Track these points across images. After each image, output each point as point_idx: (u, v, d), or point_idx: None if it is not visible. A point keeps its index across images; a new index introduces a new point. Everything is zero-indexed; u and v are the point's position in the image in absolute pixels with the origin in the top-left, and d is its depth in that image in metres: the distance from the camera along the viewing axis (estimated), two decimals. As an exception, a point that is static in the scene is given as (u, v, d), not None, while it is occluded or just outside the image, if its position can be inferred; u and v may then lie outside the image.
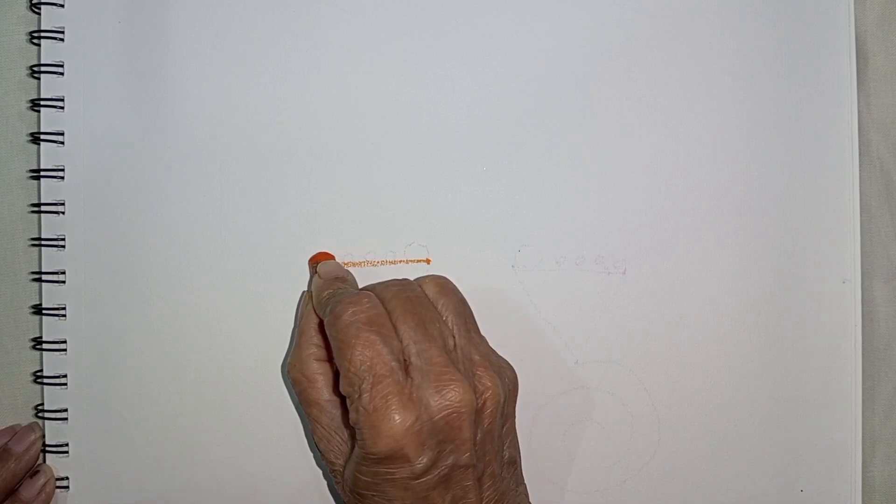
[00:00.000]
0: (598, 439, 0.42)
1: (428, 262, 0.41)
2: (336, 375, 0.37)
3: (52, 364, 0.41)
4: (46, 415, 0.41)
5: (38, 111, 0.41)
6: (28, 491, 0.40)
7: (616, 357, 0.41)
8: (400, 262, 0.41)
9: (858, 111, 0.42)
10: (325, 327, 0.36)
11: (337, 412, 0.37)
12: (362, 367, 0.34)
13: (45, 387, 0.41)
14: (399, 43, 0.41)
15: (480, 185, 0.41)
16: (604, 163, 0.42)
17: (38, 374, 0.41)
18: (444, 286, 0.38)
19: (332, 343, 0.35)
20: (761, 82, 0.42)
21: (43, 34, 0.41)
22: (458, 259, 0.41)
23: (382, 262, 0.41)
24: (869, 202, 0.44)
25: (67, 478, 0.41)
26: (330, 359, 0.38)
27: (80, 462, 0.41)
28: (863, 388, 0.42)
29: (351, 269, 0.41)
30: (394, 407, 0.33)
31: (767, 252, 0.42)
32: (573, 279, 0.41)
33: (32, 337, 0.42)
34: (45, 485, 0.40)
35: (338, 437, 0.37)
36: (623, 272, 0.42)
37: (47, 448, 0.41)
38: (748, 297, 0.42)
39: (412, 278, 0.39)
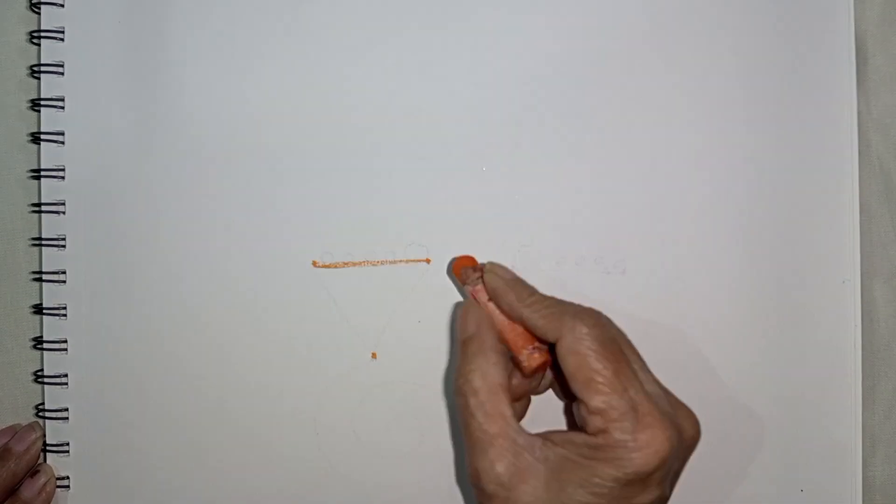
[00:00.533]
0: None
1: (428, 261, 0.41)
2: (517, 391, 0.36)
3: (52, 364, 0.41)
4: (47, 414, 0.41)
5: (39, 111, 0.41)
6: (29, 490, 0.40)
7: (616, 357, 0.41)
8: (400, 262, 0.41)
9: (858, 111, 0.42)
10: (564, 335, 0.34)
11: (520, 431, 0.33)
12: (620, 384, 0.32)
13: (45, 386, 0.41)
14: (399, 43, 0.41)
15: (480, 185, 0.41)
16: (604, 163, 0.42)
17: (39, 373, 0.41)
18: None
19: (571, 356, 0.33)
20: (761, 82, 0.42)
21: (43, 34, 0.41)
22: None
23: (382, 262, 0.41)
24: (869, 202, 0.44)
25: (68, 477, 0.41)
26: (509, 372, 0.35)
27: (81, 461, 0.41)
28: (863, 388, 0.42)
29: (351, 269, 0.41)
30: (664, 427, 0.32)
31: (767, 252, 0.42)
32: (573, 279, 0.41)
33: (33, 336, 0.42)
34: (45, 484, 0.40)
35: (526, 457, 0.33)
36: (623, 272, 0.42)
37: (48, 447, 0.41)
38: (748, 297, 0.42)
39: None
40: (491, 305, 0.37)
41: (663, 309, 0.42)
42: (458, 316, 0.37)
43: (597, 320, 0.35)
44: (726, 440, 0.42)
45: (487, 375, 0.34)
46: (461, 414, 0.34)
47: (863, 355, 0.42)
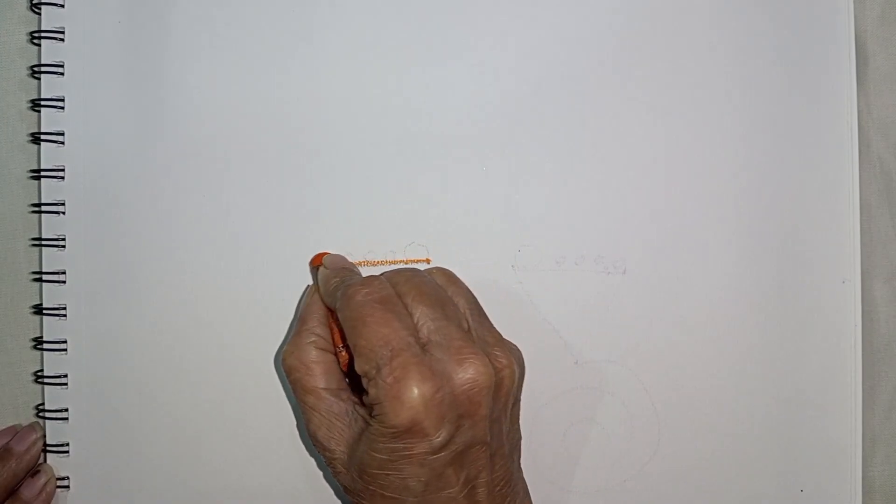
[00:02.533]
0: (598, 439, 0.42)
1: (428, 261, 0.41)
2: (333, 365, 0.38)
3: (52, 364, 0.41)
4: (47, 414, 0.41)
5: (39, 111, 0.41)
6: (29, 490, 0.40)
7: (616, 357, 0.41)
8: (399, 261, 0.41)
9: (858, 111, 0.42)
10: (338, 311, 0.36)
11: (335, 399, 0.37)
12: (378, 343, 0.34)
13: (45, 387, 0.41)
14: (399, 43, 0.41)
15: (480, 185, 0.41)
16: (604, 163, 0.42)
17: (39, 373, 0.41)
18: (452, 276, 0.39)
19: (345, 325, 0.35)
20: (761, 82, 0.42)
21: (43, 34, 0.41)
22: (458, 259, 0.41)
23: (382, 262, 0.41)
24: (869, 202, 0.44)
25: (68, 477, 0.41)
26: (330, 349, 0.38)
27: (81, 462, 0.41)
28: (863, 388, 0.42)
29: (351, 269, 0.41)
30: (415, 378, 0.33)
31: (767, 252, 0.42)
32: (573, 279, 0.41)
33: (33, 337, 0.42)
34: (45, 484, 0.40)
35: (339, 424, 0.36)
36: (623, 272, 0.42)
37: (48, 448, 0.41)
38: (748, 297, 0.42)
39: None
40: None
41: (663, 309, 0.42)
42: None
43: (370, 284, 0.36)
44: (726, 440, 0.42)
45: (301, 353, 0.37)
46: (291, 388, 0.38)
47: (863, 355, 0.42)
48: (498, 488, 0.36)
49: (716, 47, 0.42)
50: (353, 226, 0.41)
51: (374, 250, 0.41)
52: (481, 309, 0.38)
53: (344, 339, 0.37)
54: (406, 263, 0.41)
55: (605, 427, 0.42)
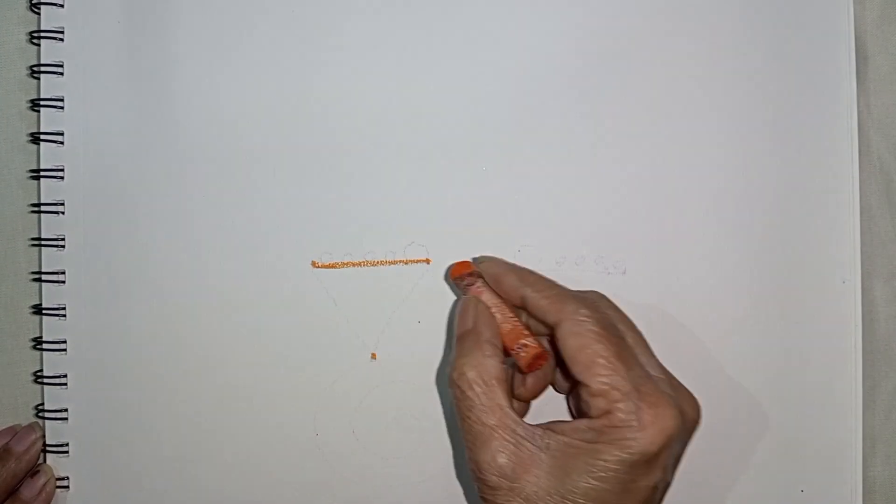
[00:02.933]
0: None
1: (428, 262, 0.41)
2: (510, 385, 0.35)
3: (52, 364, 0.41)
4: (47, 415, 0.41)
5: (38, 111, 0.41)
6: (29, 490, 0.40)
7: (616, 357, 0.41)
8: (399, 262, 0.41)
9: (858, 111, 0.42)
10: (562, 321, 0.34)
11: (520, 421, 0.33)
12: (623, 366, 0.32)
13: (45, 387, 0.41)
14: (399, 43, 0.41)
15: (480, 185, 0.41)
16: (604, 163, 0.42)
17: (39, 374, 0.41)
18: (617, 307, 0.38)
19: (572, 339, 0.33)
20: (761, 82, 0.42)
21: (43, 34, 0.41)
22: (458, 259, 0.41)
23: (382, 262, 0.41)
24: (869, 202, 0.44)
25: (67, 478, 0.41)
26: (505, 365, 0.35)
27: (80, 462, 0.41)
28: (863, 388, 0.42)
29: (350, 269, 0.41)
30: (671, 408, 0.32)
31: (767, 252, 0.42)
32: (573, 279, 0.41)
33: (32, 337, 0.42)
34: (45, 484, 0.40)
35: (529, 447, 0.32)
36: (623, 272, 0.42)
37: (47, 448, 0.41)
38: (748, 297, 0.42)
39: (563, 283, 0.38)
40: (488, 301, 0.37)
41: (663, 309, 0.42)
42: (458, 311, 0.37)
43: (598, 304, 0.35)
44: (726, 440, 0.42)
45: (483, 367, 0.34)
46: (458, 407, 0.34)
47: (863, 355, 0.42)
48: None
49: (716, 47, 0.42)
50: (353, 226, 0.41)
51: (373, 250, 0.41)
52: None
53: (517, 341, 0.35)
54: (406, 264, 0.41)
55: (605, 427, 0.42)
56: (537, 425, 0.34)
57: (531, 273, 0.37)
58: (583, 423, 0.33)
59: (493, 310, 0.37)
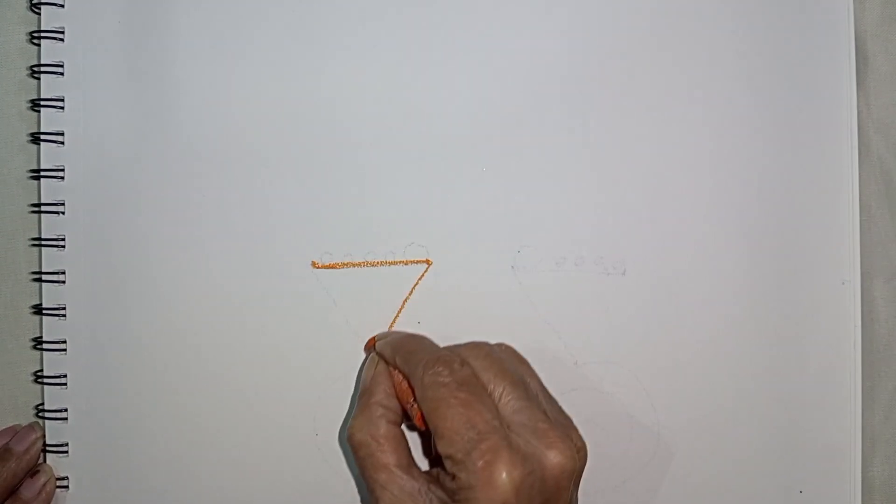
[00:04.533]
0: (598, 439, 0.42)
1: (428, 262, 0.41)
2: (403, 440, 0.36)
3: (52, 364, 0.41)
4: (47, 414, 0.41)
5: (39, 111, 0.41)
6: (29, 490, 0.40)
7: (615, 358, 0.41)
8: (399, 262, 0.41)
9: (858, 111, 0.42)
10: (417, 390, 0.35)
11: (408, 477, 0.35)
12: (465, 426, 0.33)
13: (45, 387, 0.41)
14: (399, 43, 0.41)
15: (480, 186, 0.41)
16: (604, 163, 0.42)
17: (39, 373, 0.41)
18: (518, 354, 0.39)
19: (425, 404, 0.34)
20: (761, 82, 0.42)
21: (43, 34, 0.41)
22: (458, 259, 0.41)
23: (382, 263, 0.41)
24: (869, 202, 0.44)
25: (67, 477, 0.41)
26: (398, 422, 0.37)
27: (80, 462, 0.41)
28: (863, 388, 0.42)
29: (351, 270, 0.41)
30: (506, 462, 0.32)
31: (767, 252, 0.42)
32: (573, 280, 0.41)
33: (33, 337, 0.42)
34: (45, 484, 0.40)
35: (412, 503, 0.34)
36: (623, 273, 0.42)
37: (47, 448, 0.41)
38: (748, 297, 0.42)
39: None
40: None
41: (663, 309, 0.42)
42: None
43: (445, 364, 0.35)
44: (726, 440, 0.42)
45: (371, 428, 0.36)
46: (357, 465, 0.36)
47: (863, 355, 0.42)
48: None
49: (716, 47, 0.42)
50: (353, 226, 0.41)
51: (373, 251, 0.41)
52: (546, 389, 0.38)
53: (408, 400, 0.36)
54: (406, 264, 0.41)
55: (604, 427, 0.42)
56: (426, 476, 0.35)
57: (409, 340, 0.38)
58: (449, 483, 0.34)
59: (394, 371, 0.37)
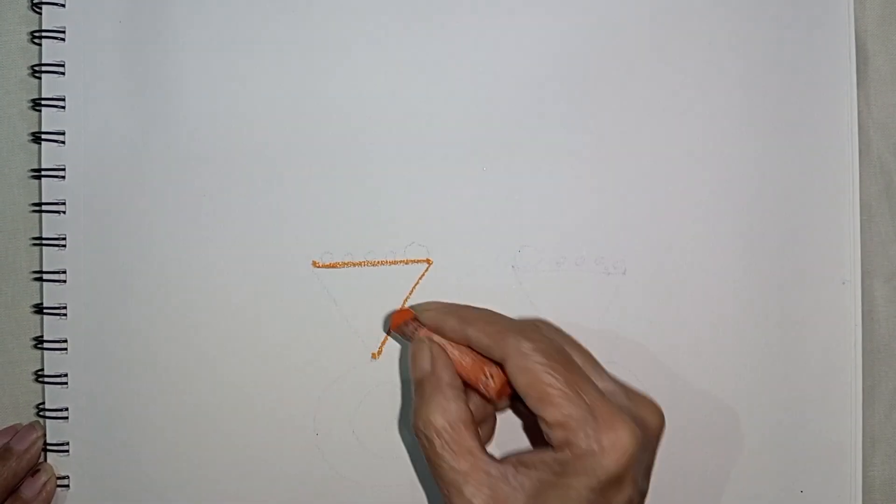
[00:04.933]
0: (598, 439, 0.42)
1: (429, 262, 0.41)
2: (475, 425, 0.35)
3: (52, 363, 0.41)
4: (47, 414, 0.41)
5: (40, 111, 0.41)
6: (29, 490, 0.40)
7: (616, 358, 0.41)
8: (400, 262, 0.41)
9: (858, 111, 0.42)
10: (511, 357, 0.33)
11: (493, 461, 0.33)
12: (573, 391, 0.32)
13: (46, 386, 0.41)
14: (399, 43, 0.42)
15: (480, 186, 0.41)
16: (604, 163, 0.42)
17: (39, 373, 0.41)
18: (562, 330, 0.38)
19: (523, 375, 0.33)
20: (761, 82, 0.42)
21: (44, 34, 0.41)
22: (459, 259, 0.41)
23: (383, 262, 0.41)
24: (869, 202, 0.44)
25: (68, 477, 0.41)
26: (468, 404, 0.35)
27: (81, 461, 0.41)
28: (863, 388, 0.42)
29: (351, 270, 0.41)
30: (626, 423, 0.32)
31: (767, 252, 0.42)
32: (573, 280, 0.41)
33: (33, 336, 0.42)
34: (45, 483, 0.40)
35: (504, 487, 0.32)
36: (623, 272, 0.42)
37: (48, 447, 0.41)
38: (748, 297, 0.42)
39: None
40: (441, 341, 0.36)
41: (663, 309, 0.42)
42: (411, 355, 0.37)
43: (539, 333, 0.34)
44: (726, 440, 0.42)
45: (448, 413, 0.34)
46: (428, 455, 0.34)
47: (863, 355, 0.42)
48: None
49: (716, 47, 0.42)
50: (353, 226, 0.41)
51: (374, 250, 0.41)
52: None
53: (480, 375, 0.35)
54: (406, 264, 0.41)
55: (604, 427, 0.42)
56: (508, 461, 0.34)
57: (471, 310, 0.37)
58: (548, 455, 0.33)
59: (449, 347, 0.36)
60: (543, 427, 0.33)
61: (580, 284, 0.41)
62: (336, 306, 0.41)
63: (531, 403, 0.33)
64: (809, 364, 0.42)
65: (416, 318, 0.38)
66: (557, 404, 0.32)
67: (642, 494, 0.34)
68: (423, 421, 0.34)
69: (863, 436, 0.42)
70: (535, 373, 0.33)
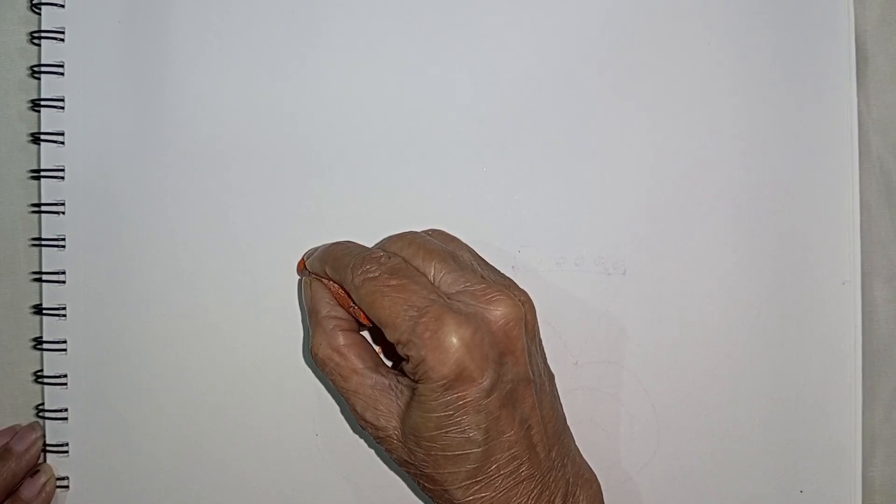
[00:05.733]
0: (598, 440, 0.42)
1: (428, 262, 0.41)
2: (363, 343, 0.37)
3: (52, 364, 0.41)
4: (47, 414, 0.41)
5: (39, 111, 0.41)
6: (29, 490, 0.40)
7: (616, 358, 0.41)
8: (400, 262, 0.41)
9: (858, 111, 0.42)
10: (352, 290, 0.35)
11: (377, 376, 0.36)
12: (403, 308, 0.34)
13: (45, 387, 0.41)
14: (399, 43, 0.42)
15: (480, 186, 0.41)
16: (604, 163, 0.42)
17: (39, 373, 0.41)
18: (448, 234, 0.39)
19: (363, 303, 0.35)
20: (761, 82, 0.42)
21: (43, 34, 0.41)
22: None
23: (382, 263, 0.41)
24: (869, 202, 0.44)
25: (67, 477, 0.41)
26: (353, 328, 0.37)
27: (80, 462, 0.41)
28: (863, 388, 0.42)
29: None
30: (451, 325, 0.33)
31: (767, 252, 0.42)
32: (573, 280, 0.41)
33: (33, 337, 0.42)
34: (45, 484, 0.40)
35: (385, 399, 0.36)
36: (623, 273, 0.42)
37: (48, 447, 0.41)
38: (748, 297, 0.42)
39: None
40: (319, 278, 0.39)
41: (663, 309, 0.42)
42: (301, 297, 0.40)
43: (372, 260, 0.36)
44: (726, 440, 0.42)
45: (329, 341, 0.37)
46: (329, 380, 0.37)
47: (863, 355, 0.42)
48: (550, 425, 0.36)
49: (716, 48, 0.42)
50: (353, 226, 0.41)
51: (374, 250, 0.41)
52: (482, 258, 0.39)
53: (349, 304, 0.37)
54: (406, 263, 0.41)
55: (605, 428, 0.42)
56: (392, 372, 0.37)
57: (331, 247, 0.38)
58: (407, 366, 0.35)
59: (327, 282, 0.38)
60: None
61: (580, 284, 0.41)
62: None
63: (378, 325, 0.35)
64: (809, 364, 0.42)
65: (304, 268, 0.40)
66: (390, 324, 0.34)
67: (516, 381, 0.35)
68: (312, 353, 0.37)
69: (863, 436, 0.42)
70: (367, 301, 0.35)
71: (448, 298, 0.35)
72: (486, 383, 0.33)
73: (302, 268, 0.40)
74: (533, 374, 0.35)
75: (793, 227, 0.42)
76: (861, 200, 0.42)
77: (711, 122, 0.42)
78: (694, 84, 0.42)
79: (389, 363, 0.40)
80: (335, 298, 0.38)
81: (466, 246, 0.39)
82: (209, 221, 0.41)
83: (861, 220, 0.42)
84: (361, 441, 0.42)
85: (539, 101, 0.42)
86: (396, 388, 0.36)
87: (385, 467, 0.41)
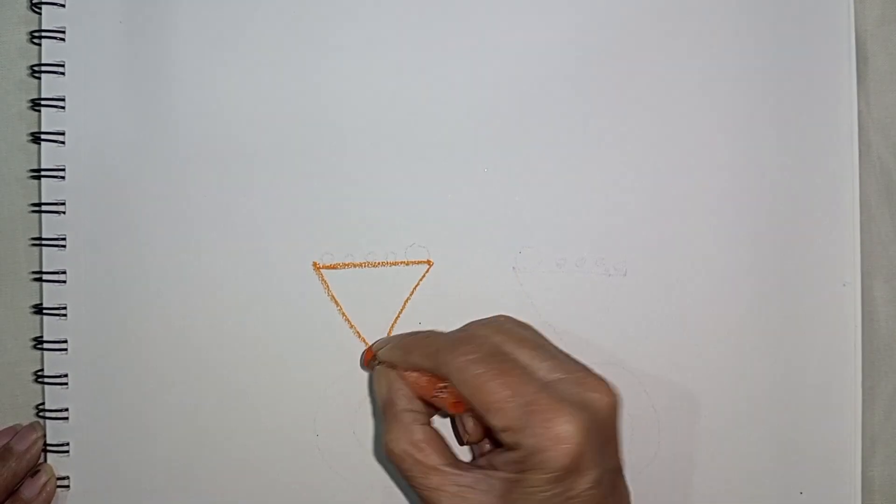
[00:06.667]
0: (599, 439, 0.42)
1: (429, 263, 0.41)
2: (441, 440, 0.36)
3: (52, 364, 0.41)
4: (47, 414, 0.41)
5: (39, 111, 0.41)
6: (29, 490, 0.40)
7: (616, 359, 0.41)
8: (400, 263, 0.41)
9: (858, 111, 0.42)
10: (452, 373, 0.35)
11: (459, 471, 0.35)
12: (512, 394, 0.33)
13: (46, 386, 0.41)
14: (399, 43, 0.41)
15: (481, 187, 0.41)
16: (604, 164, 0.42)
17: (39, 373, 0.41)
18: (516, 319, 0.39)
19: (464, 386, 0.34)
20: (761, 82, 0.42)
21: (44, 34, 0.41)
22: (459, 261, 0.41)
23: (383, 264, 0.41)
24: (869, 202, 0.44)
25: (68, 477, 0.41)
26: (429, 423, 0.37)
27: (81, 461, 0.41)
28: (863, 388, 0.42)
29: (352, 271, 0.41)
30: (566, 415, 0.32)
31: (767, 253, 0.42)
32: (574, 281, 0.41)
33: (33, 336, 0.42)
34: (45, 484, 0.40)
35: (473, 495, 0.34)
36: (624, 274, 0.42)
37: (48, 447, 0.41)
38: (748, 298, 0.42)
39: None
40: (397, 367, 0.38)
41: (664, 310, 0.42)
42: (374, 387, 0.39)
43: (472, 343, 0.35)
44: (726, 440, 0.42)
45: (408, 436, 0.36)
46: (402, 476, 0.36)
47: (863, 355, 0.42)
48: None
49: (716, 48, 0.42)
50: (353, 227, 0.41)
51: (374, 251, 0.41)
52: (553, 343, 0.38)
53: (432, 391, 0.36)
54: (407, 265, 0.41)
55: (605, 427, 0.42)
56: (476, 464, 0.36)
57: (410, 337, 0.38)
58: (508, 455, 0.34)
59: (405, 373, 0.37)
60: (497, 434, 0.34)
61: (581, 286, 0.41)
62: (337, 307, 0.41)
63: (477, 413, 0.34)
64: (810, 364, 0.42)
65: (375, 357, 0.39)
66: (498, 410, 0.33)
67: (614, 471, 0.34)
68: (387, 449, 0.36)
69: (862, 436, 0.42)
70: (472, 384, 0.34)
71: (549, 386, 0.34)
72: (595, 473, 0.33)
73: (370, 358, 0.40)
74: (622, 463, 0.35)
75: (793, 227, 0.42)
76: (861, 200, 0.42)
77: (711, 122, 0.42)
78: (694, 84, 0.42)
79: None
80: (413, 389, 0.37)
81: (539, 332, 0.38)
82: (209, 221, 0.41)
83: (861, 220, 0.42)
84: (361, 441, 0.42)
85: (540, 101, 0.42)
86: (485, 481, 0.34)
87: (385, 467, 0.42)
